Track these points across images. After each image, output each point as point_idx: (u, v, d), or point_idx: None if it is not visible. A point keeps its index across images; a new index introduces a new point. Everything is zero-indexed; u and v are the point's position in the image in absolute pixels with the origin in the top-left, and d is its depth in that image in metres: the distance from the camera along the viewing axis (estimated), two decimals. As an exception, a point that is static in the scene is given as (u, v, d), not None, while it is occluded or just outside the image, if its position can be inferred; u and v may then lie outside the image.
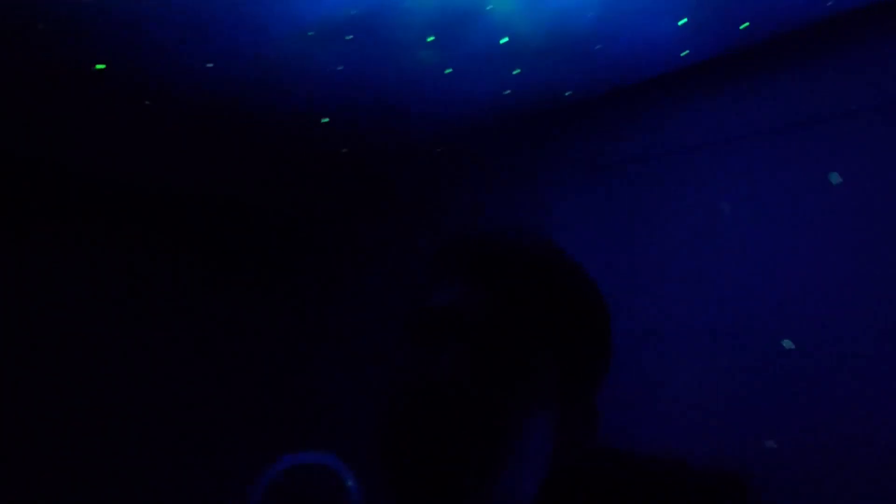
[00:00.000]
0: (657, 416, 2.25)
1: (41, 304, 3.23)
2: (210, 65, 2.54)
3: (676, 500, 1.94)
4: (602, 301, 0.71)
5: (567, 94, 2.63)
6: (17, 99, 2.87)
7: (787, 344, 2.01)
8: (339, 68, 2.46)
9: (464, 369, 0.62)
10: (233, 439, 3.25)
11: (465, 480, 0.60)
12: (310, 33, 2.26)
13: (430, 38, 2.26)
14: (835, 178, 2.01)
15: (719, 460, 2.05)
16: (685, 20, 2.12)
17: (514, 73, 2.47)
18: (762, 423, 2.02)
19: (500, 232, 0.71)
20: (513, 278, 0.66)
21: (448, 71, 2.46)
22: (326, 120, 2.86)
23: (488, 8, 2.10)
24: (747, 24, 2.13)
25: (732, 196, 2.25)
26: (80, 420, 3.21)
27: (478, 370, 0.62)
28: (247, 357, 3.56)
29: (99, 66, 2.65)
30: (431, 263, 0.72)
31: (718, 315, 2.18)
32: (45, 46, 2.53)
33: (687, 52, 2.31)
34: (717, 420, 2.11)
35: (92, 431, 3.22)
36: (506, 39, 2.26)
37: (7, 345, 3.14)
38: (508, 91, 2.61)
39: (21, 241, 3.23)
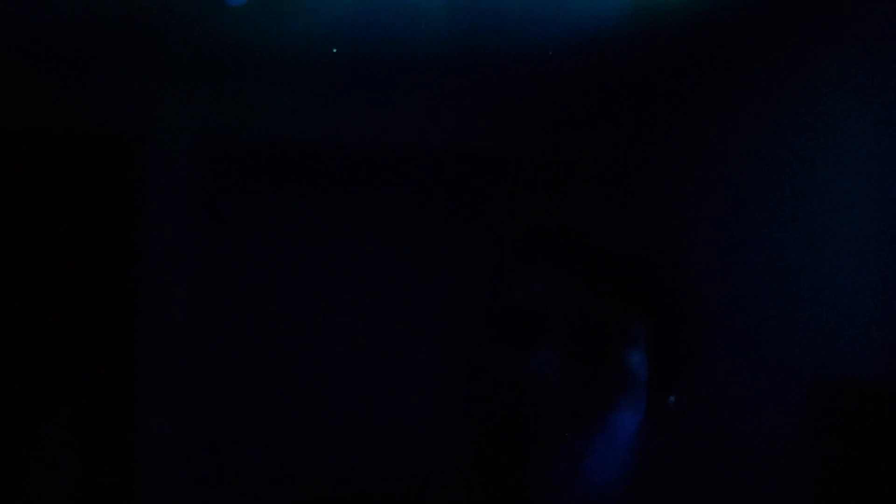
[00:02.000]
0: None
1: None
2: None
3: None
4: (696, 296, 0.71)
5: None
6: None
7: None
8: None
9: (552, 368, 0.64)
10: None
11: (551, 470, 0.63)
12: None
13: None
14: None
15: None
16: None
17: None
18: None
19: (588, 222, 0.71)
20: (602, 272, 0.66)
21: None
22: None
23: None
24: None
25: None
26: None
27: (565, 369, 0.64)
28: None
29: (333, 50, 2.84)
30: (512, 255, 0.72)
31: None
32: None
33: None
34: None
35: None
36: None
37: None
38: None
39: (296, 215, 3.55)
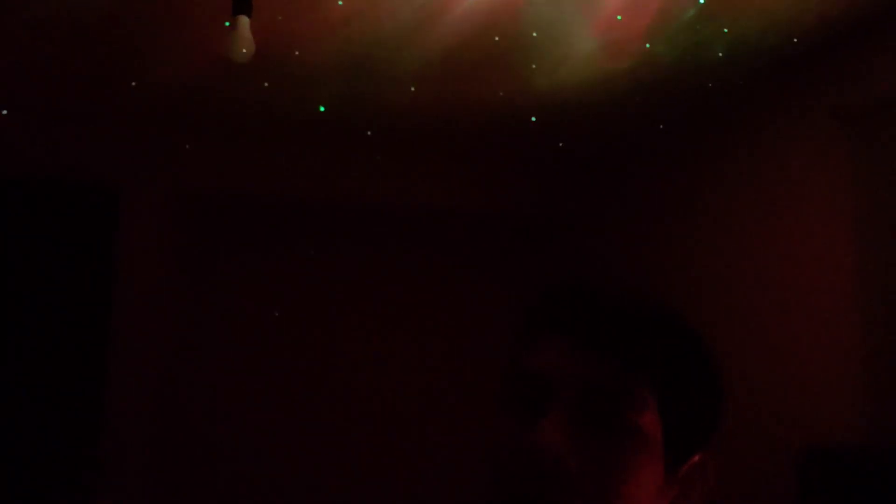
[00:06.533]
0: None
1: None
2: (413, 88, 2.61)
3: None
4: (711, 356, 0.71)
5: (795, 40, 2.34)
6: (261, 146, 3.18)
7: None
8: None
9: (561, 435, 0.64)
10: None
11: None
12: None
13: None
14: None
15: None
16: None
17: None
18: None
19: (597, 288, 0.71)
20: (609, 337, 0.66)
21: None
22: (534, 119, 2.80)
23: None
24: None
25: None
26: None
27: (574, 435, 0.64)
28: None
29: (321, 108, 2.86)
30: (525, 322, 0.72)
31: None
32: (272, 99, 2.80)
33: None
34: None
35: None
36: None
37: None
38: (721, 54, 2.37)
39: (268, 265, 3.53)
